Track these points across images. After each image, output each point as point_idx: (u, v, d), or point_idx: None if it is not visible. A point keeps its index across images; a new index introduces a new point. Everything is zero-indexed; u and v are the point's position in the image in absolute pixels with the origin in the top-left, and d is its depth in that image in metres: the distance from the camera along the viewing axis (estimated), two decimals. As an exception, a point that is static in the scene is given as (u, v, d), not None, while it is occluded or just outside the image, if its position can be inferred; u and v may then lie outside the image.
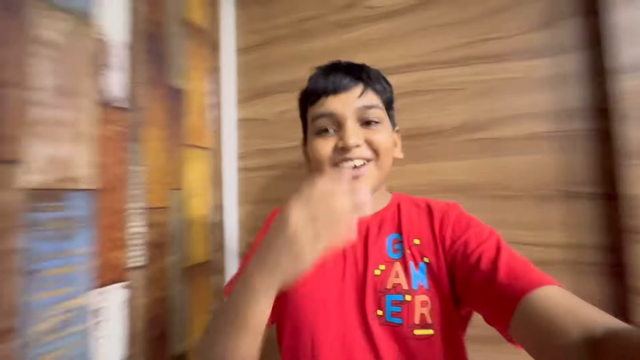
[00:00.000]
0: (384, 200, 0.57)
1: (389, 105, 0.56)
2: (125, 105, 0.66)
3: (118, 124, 0.65)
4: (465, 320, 0.51)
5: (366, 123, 0.52)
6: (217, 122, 0.93)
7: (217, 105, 0.93)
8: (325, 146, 0.51)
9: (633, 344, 0.26)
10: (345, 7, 0.85)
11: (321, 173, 0.46)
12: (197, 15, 0.90)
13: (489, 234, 0.47)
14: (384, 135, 0.52)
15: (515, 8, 0.72)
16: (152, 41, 0.74)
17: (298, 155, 0.77)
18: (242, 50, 0.96)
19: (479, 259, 0.43)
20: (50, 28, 0.53)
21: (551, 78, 0.69)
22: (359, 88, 0.52)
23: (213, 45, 0.93)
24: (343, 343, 0.47)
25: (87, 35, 0.60)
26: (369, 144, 0.51)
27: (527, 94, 0.70)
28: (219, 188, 0.91)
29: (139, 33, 0.70)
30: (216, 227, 0.91)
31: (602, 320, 0.31)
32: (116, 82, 0.65)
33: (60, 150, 0.54)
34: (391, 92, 0.57)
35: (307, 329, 0.49)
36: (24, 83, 0.49)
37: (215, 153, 0.92)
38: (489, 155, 0.72)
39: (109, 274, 0.61)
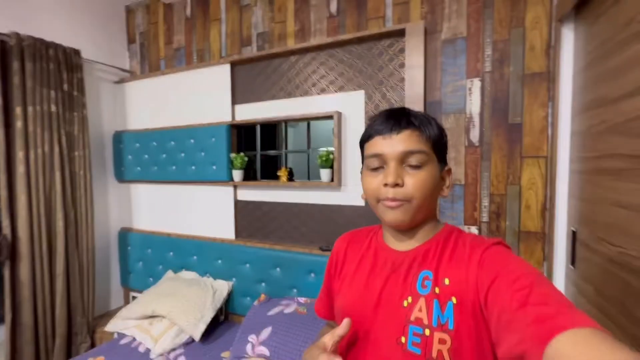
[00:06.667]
0: (429, 233, 0.61)
1: (437, 146, 0.59)
2: (477, 144, 1.39)
3: (474, 154, 1.40)
4: None
5: (409, 166, 0.57)
6: (554, 136, 1.25)
7: (553, 124, 1.25)
8: (373, 182, 0.59)
9: None
10: None
11: (370, 202, 0.61)
12: (537, 65, 1.27)
13: (524, 273, 0.45)
14: (422, 178, 0.56)
15: None
16: (496, 101, 1.35)
17: (600, 164, 0.97)
18: (575, 74, 1.15)
19: (509, 301, 0.43)
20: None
21: None
22: (406, 133, 0.57)
23: (551, 80, 1.24)
24: None
25: (461, 120, 1.42)
26: (407, 185, 0.56)
27: None
28: (553, 185, 1.26)
29: (487, 101, 1.37)
30: (547, 212, 1.28)
31: None
32: (474, 134, 1.40)
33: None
34: (442, 135, 0.61)
35: (348, 346, 0.59)
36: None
37: (551, 159, 1.26)
38: None
39: (470, 221, 1.42)
